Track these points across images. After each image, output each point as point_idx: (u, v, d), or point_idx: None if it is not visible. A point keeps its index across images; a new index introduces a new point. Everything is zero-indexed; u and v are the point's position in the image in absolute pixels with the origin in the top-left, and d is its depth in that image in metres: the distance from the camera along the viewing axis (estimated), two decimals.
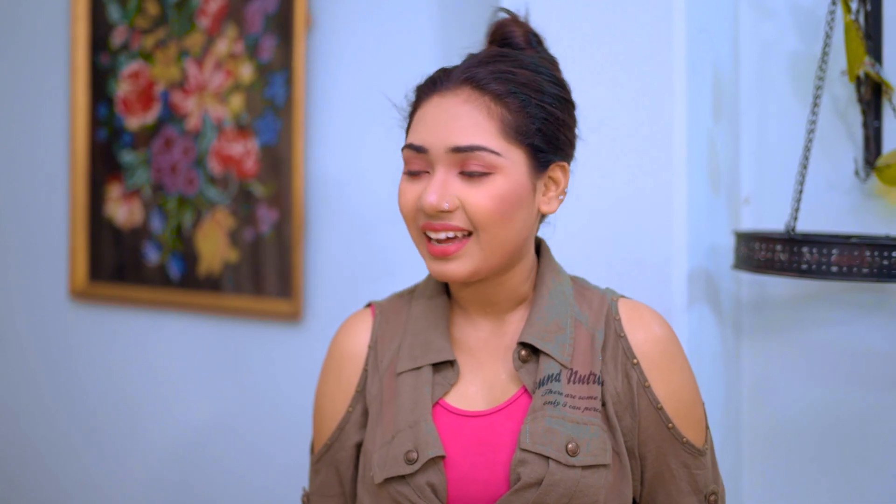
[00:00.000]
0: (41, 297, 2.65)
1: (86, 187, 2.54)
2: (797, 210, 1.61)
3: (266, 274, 2.29)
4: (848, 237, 1.60)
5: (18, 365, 2.70)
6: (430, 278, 1.33)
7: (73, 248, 2.55)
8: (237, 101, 2.32)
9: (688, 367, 1.28)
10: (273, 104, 2.27)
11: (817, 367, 1.74)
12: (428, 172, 1.19)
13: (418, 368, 1.24)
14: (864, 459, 1.72)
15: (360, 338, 1.32)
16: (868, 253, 1.47)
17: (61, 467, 2.62)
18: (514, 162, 1.18)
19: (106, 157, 2.53)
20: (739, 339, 1.80)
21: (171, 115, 2.42)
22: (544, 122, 1.20)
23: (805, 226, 1.67)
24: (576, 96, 1.73)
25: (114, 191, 2.51)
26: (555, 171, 1.23)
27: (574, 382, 1.21)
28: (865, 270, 1.47)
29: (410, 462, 1.18)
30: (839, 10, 1.61)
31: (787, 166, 1.70)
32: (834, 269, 1.49)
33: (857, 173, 1.67)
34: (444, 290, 1.30)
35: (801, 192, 1.61)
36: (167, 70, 2.42)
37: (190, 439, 2.43)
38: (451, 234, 1.18)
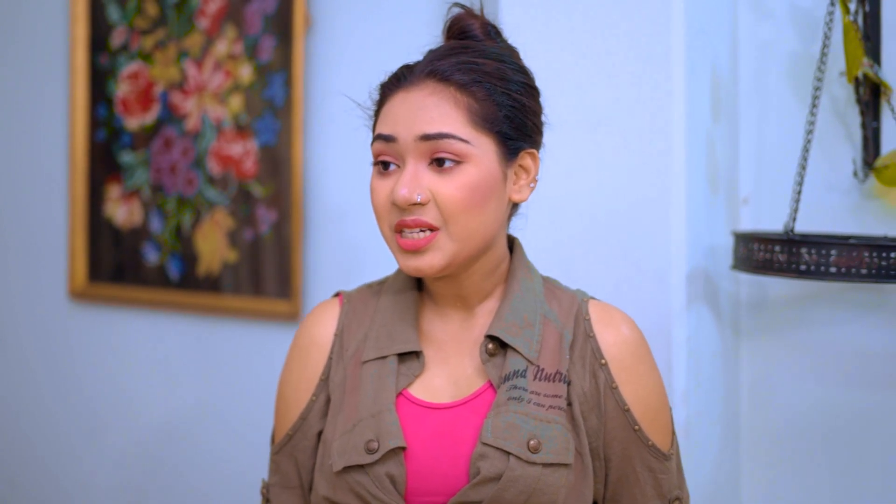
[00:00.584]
0: (41, 298, 2.65)
1: (85, 188, 2.54)
2: (796, 211, 1.61)
3: (265, 274, 2.29)
4: (847, 238, 1.60)
5: (18, 365, 2.70)
6: (400, 270, 1.31)
7: (73, 249, 2.55)
8: (236, 102, 2.32)
9: (656, 371, 1.28)
10: (272, 105, 2.27)
11: (816, 367, 1.74)
12: (398, 167, 1.19)
13: (383, 358, 1.24)
14: (863, 459, 1.72)
15: (327, 326, 1.31)
16: (867, 253, 1.47)
17: (61, 467, 2.62)
18: (483, 150, 1.18)
19: (105, 158, 2.53)
20: (738, 340, 1.80)
21: (170, 116, 2.42)
22: (511, 110, 1.20)
23: (804, 226, 1.67)
24: (575, 97, 1.74)
25: (113, 191, 2.51)
26: (525, 159, 1.23)
27: (540, 379, 1.21)
28: (864, 271, 1.48)
29: (371, 452, 1.18)
30: (838, 10, 1.61)
31: (786, 167, 1.70)
32: (833, 269, 1.49)
33: (855, 174, 1.68)
34: (414, 283, 1.30)
35: (799, 192, 1.61)
36: (166, 71, 2.42)
37: (190, 439, 2.43)
38: (423, 230, 1.17)
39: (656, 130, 1.63)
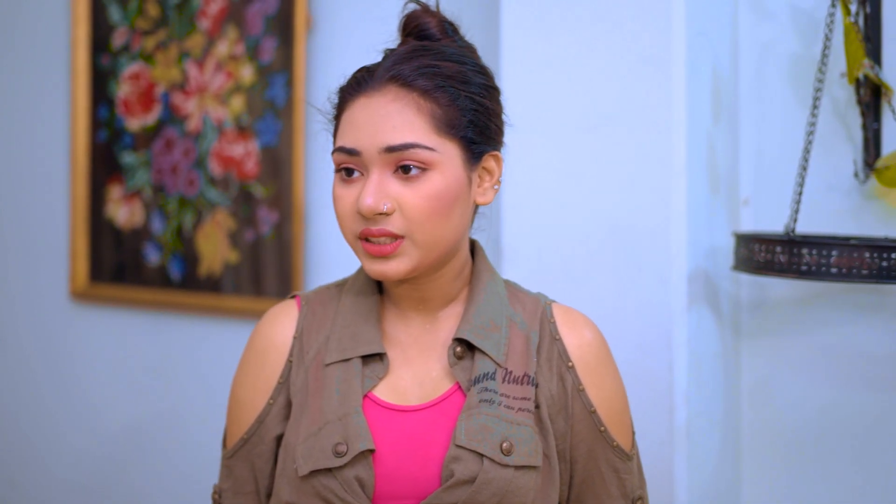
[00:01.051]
0: (42, 298, 2.65)
1: (86, 188, 2.55)
2: (796, 212, 1.61)
3: (266, 275, 2.29)
4: (847, 239, 1.60)
5: (18, 365, 2.70)
6: (360, 272, 1.30)
7: (74, 249, 2.56)
8: (238, 103, 2.32)
9: (618, 373, 1.29)
10: (273, 105, 2.27)
11: (816, 368, 1.74)
12: (362, 174, 1.17)
13: (347, 360, 1.22)
14: (863, 460, 1.72)
15: (285, 329, 1.28)
16: (867, 254, 1.48)
17: (61, 467, 2.62)
18: (448, 157, 1.16)
19: (106, 159, 2.53)
20: (739, 340, 1.80)
21: (171, 117, 2.42)
22: (475, 114, 1.19)
23: (804, 227, 1.67)
24: (576, 98, 1.74)
25: (114, 192, 2.52)
26: (488, 162, 1.22)
27: (509, 382, 1.20)
28: (865, 272, 1.48)
29: (339, 455, 1.16)
30: (838, 11, 1.62)
31: (787, 168, 1.71)
32: (833, 270, 1.49)
33: (856, 175, 1.68)
34: (375, 285, 1.28)
35: (800, 193, 1.61)
36: (168, 71, 2.43)
37: (191, 439, 2.43)
38: (390, 238, 1.16)
39: (657, 131, 1.63)
